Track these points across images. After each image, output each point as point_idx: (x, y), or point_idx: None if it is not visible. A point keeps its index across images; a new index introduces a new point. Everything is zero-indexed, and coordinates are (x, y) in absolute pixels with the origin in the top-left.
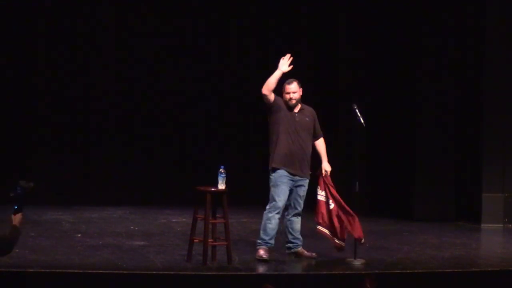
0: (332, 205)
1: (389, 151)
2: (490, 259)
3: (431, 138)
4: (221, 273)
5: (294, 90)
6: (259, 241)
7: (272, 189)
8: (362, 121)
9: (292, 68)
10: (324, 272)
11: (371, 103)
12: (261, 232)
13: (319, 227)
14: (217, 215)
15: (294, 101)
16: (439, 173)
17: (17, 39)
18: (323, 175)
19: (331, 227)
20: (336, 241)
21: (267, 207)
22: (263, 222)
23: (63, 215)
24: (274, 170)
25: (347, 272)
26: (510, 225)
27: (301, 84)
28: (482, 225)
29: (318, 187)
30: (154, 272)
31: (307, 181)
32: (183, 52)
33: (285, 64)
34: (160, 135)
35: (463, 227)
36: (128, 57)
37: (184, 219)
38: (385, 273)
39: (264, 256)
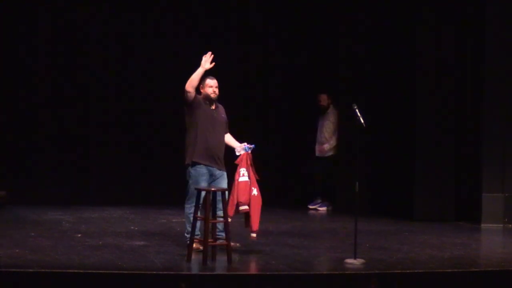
0: (254, 190)
1: (389, 151)
2: (490, 259)
3: (431, 138)
4: (221, 273)
5: (217, 85)
6: (189, 235)
7: (191, 186)
8: (362, 121)
9: (214, 65)
10: (324, 272)
11: (371, 102)
12: (188, 226)
13: (242, 207)
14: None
15: (215, 95)
16: (439, 173)
17: (18, 38)
18: (246, 150)
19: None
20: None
21: (187, 202)
22: (186, 218)
23: (63, 215)
24: (194, 164)
25: (347, 272)
26: (510, 225)
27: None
28: (482, 225)
29: (240, 167)
30: (154, 272)
31: (225, 174)
32: (183, 53)
33: (207, 62)
34: (160, 135)
35: (463, 227)
36: (129, 58)
37: (184, 219)
38: (385, 273)
39: (200, 247)
